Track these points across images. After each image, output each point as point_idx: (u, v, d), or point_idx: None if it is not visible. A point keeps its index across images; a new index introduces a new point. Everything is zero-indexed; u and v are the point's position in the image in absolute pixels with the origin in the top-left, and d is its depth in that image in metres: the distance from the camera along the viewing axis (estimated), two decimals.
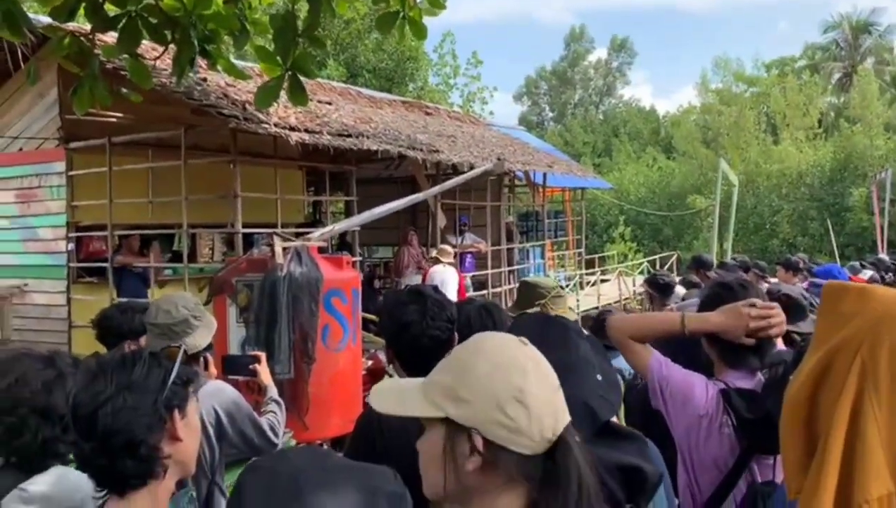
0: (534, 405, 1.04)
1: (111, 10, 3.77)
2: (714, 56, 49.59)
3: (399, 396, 1.12)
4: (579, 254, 15.92)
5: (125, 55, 3.96)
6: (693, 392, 2.02)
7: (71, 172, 7.91)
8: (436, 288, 2.28)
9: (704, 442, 2.00)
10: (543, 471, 1.05)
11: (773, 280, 7.73)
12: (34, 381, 1.84)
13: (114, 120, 7.35)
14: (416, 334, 2.08)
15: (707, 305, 2.22)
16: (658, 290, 5.49)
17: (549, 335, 1.55)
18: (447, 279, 8.50)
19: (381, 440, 1.96)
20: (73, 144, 7.92)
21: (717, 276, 5.84)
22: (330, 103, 9.63)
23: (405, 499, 1.12)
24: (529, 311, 3.00)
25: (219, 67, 4.45)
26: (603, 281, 16.55)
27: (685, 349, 2.28)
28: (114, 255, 7.89)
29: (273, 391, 2.87)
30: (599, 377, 1.52)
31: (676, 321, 2.11)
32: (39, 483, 1.75)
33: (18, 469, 1.79)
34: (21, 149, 8.38)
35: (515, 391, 1.03)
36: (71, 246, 8.02)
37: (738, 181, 20.89)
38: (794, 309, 3.15)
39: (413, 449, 1.14)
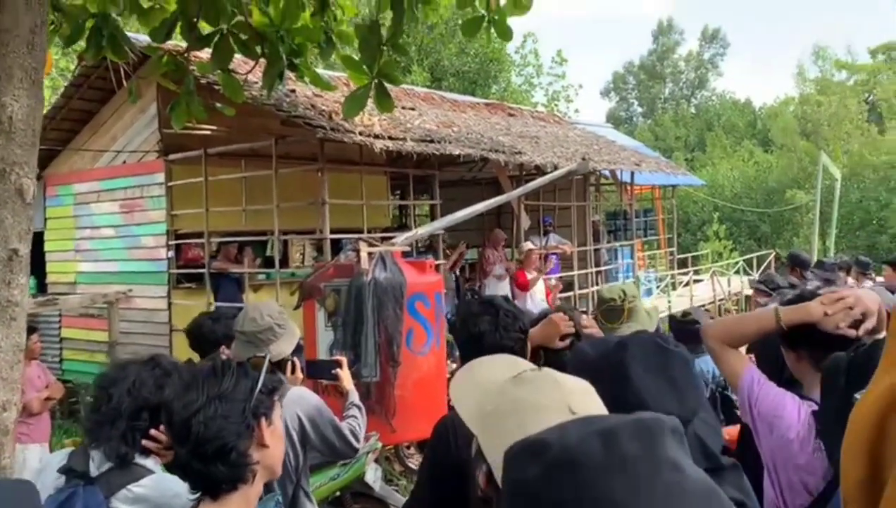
0: None
1: (205, 28, 3.96)
2: (812, 43, 47.21)
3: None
4: (671, 253, 15.48)
5: (218, 70, 4.14)
6: (783, 413, 1.92)
7: (170, 183, 8.33)
8: (507, 298, 2.27)
9: (794, 465, 1.89)
10: None
11: (880, 279, 7.31)
12: (149, 381, 1.96)
13: (209, 132, 7.68)
14: (489, 344, 2.09)
15: None
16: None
17: (670, 364, 1.53)
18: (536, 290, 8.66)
19: (455, 440, 1.99)
20: (172, 156, 8.33)
21: (813, 276, 5.57)
22: (413, 109, 9.74)
23: None
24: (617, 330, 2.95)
25: (306, 79, 4.60)
26: (696, 281, 15.97)
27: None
28: (211, 261, 8.24)
29: (354, 396, 2.92)
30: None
31: (771, 317, 2.00)
32: (142, 486, 1.87)
33: (126, 468, 1.91)
34: (125, 162, 8.89)
35: None
36: (171, 253, 8.44)
37: (841, 174, 19.81)
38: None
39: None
